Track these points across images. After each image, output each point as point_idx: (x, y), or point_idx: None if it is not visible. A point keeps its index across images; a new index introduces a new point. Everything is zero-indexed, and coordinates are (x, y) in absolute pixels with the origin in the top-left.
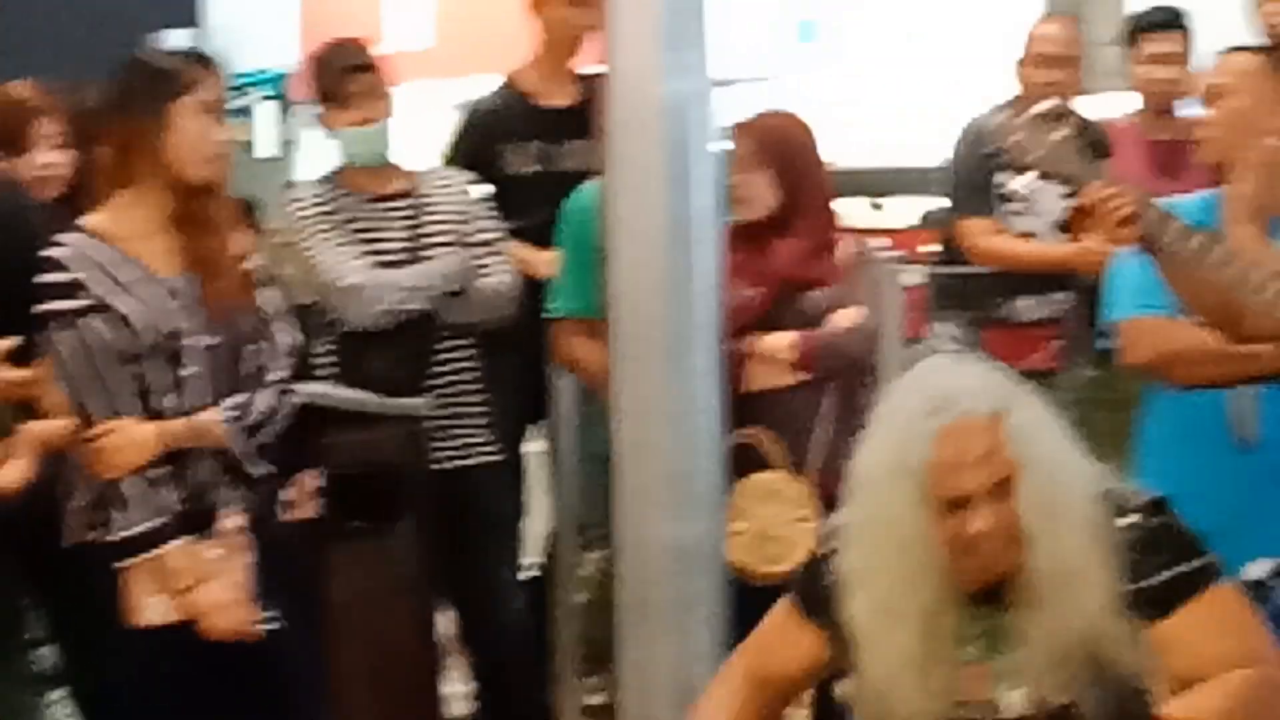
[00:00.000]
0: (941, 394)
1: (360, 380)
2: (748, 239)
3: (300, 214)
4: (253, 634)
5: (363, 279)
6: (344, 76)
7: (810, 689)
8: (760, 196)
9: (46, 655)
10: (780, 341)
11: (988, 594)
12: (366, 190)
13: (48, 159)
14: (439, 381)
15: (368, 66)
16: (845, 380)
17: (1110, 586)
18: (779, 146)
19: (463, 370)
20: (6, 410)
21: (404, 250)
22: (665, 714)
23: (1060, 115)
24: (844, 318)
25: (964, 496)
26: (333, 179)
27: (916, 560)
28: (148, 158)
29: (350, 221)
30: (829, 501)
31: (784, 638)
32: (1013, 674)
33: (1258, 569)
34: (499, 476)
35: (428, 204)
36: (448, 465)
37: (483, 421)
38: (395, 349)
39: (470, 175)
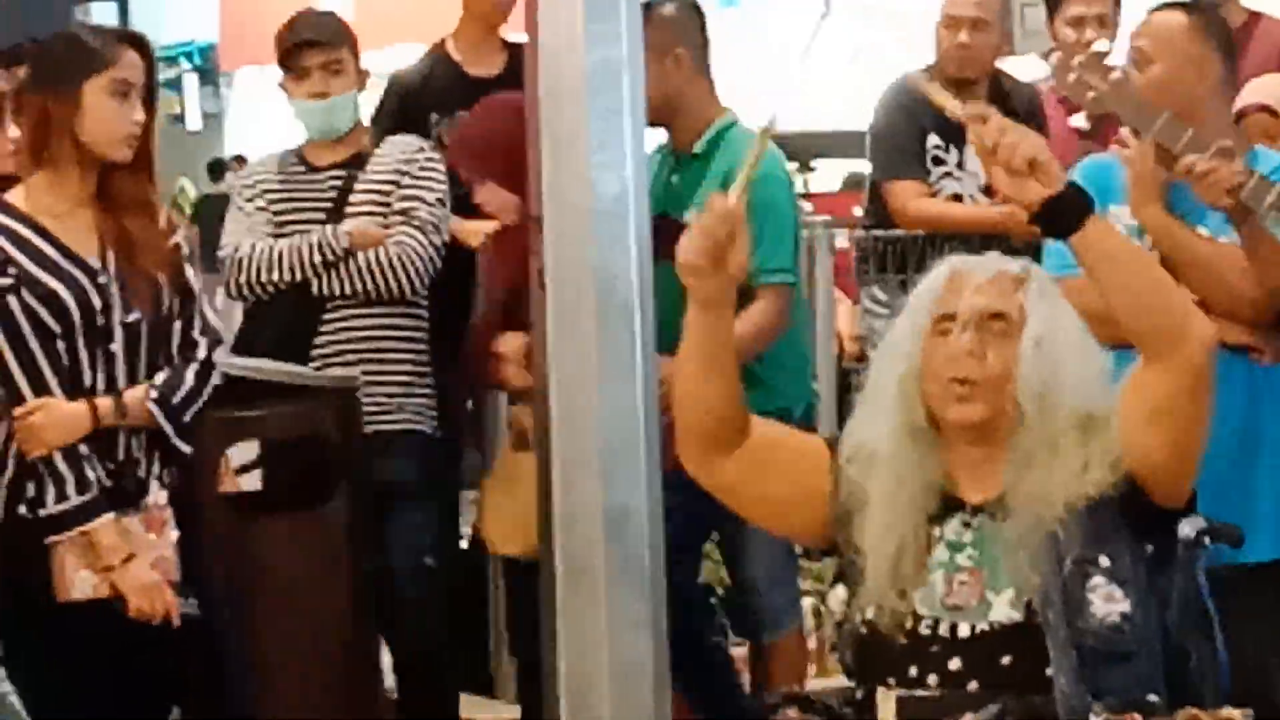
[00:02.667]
0: (969, 257)
1: (249, 350)
2: (501, 241)
3: (240, 185)
4: (173, 617)
5: (242, 251)
6: (298, 50)
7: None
8: (503, 202)
9: None
10: (515, 342)
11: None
12: (313, 161)
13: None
14: (328, 350)
15: (321, 42)
16: None
17: (1091, 483)
18: (492, 151)
19: (360, 339)
20: None
21: (324, 221)
22: (603, 683)
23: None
24: None
25: (953, 314)
26: (294, 150)
27: (915, 446)
28: (64, 136)
29: (279, 193)
30: None
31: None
32: (1000, 577)
33: (1187, 526)
34: (411, 445)
35: (363, 173)
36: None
37: (387, 390)
38: (278, 319)
39: (427, 142)
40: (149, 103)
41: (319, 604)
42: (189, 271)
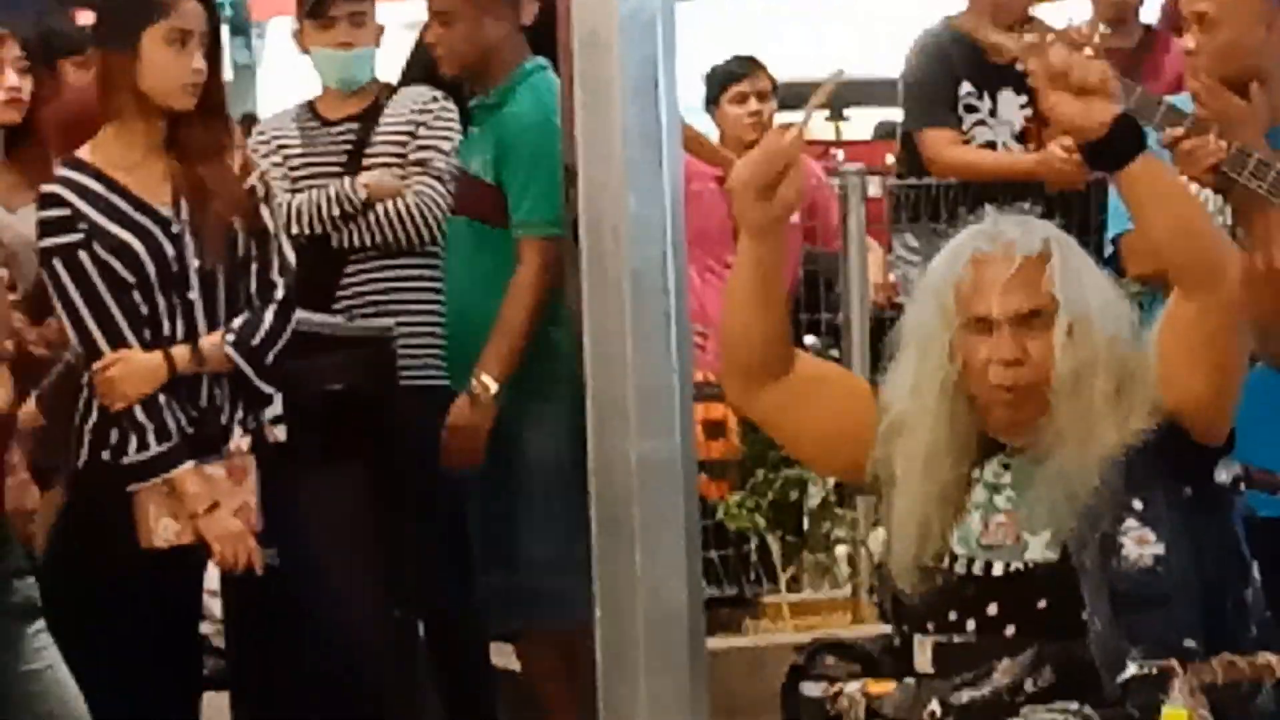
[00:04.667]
0: (992, 225)
1: None
2: None
3: (256, 141)
4: (257, 566)
5: None
6: (327, 0)
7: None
8: None
9: (28, 585)
10: None
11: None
12: (326, 115)
13: (9, 86)
14: (352, 303)
15: None
16: None
17: (1130, 433)
18: None
19: (377, 289)
20: None
21: (339, 174)
22: (639, 631)
23: None
24: None
25: (987, 318)
26: (306, 104)
27: (946, 390)
28: (126, 89)
29: (292, 147)
30: None
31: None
32: (1037, 519)
33: (1223, 472)
34: (428, 401)
35: (378, 125)
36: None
37: (418, 342)
38: (298, 273)
39: (440, 91)
40: (214, 49)
41: (357, 552)
42: (264, 213)
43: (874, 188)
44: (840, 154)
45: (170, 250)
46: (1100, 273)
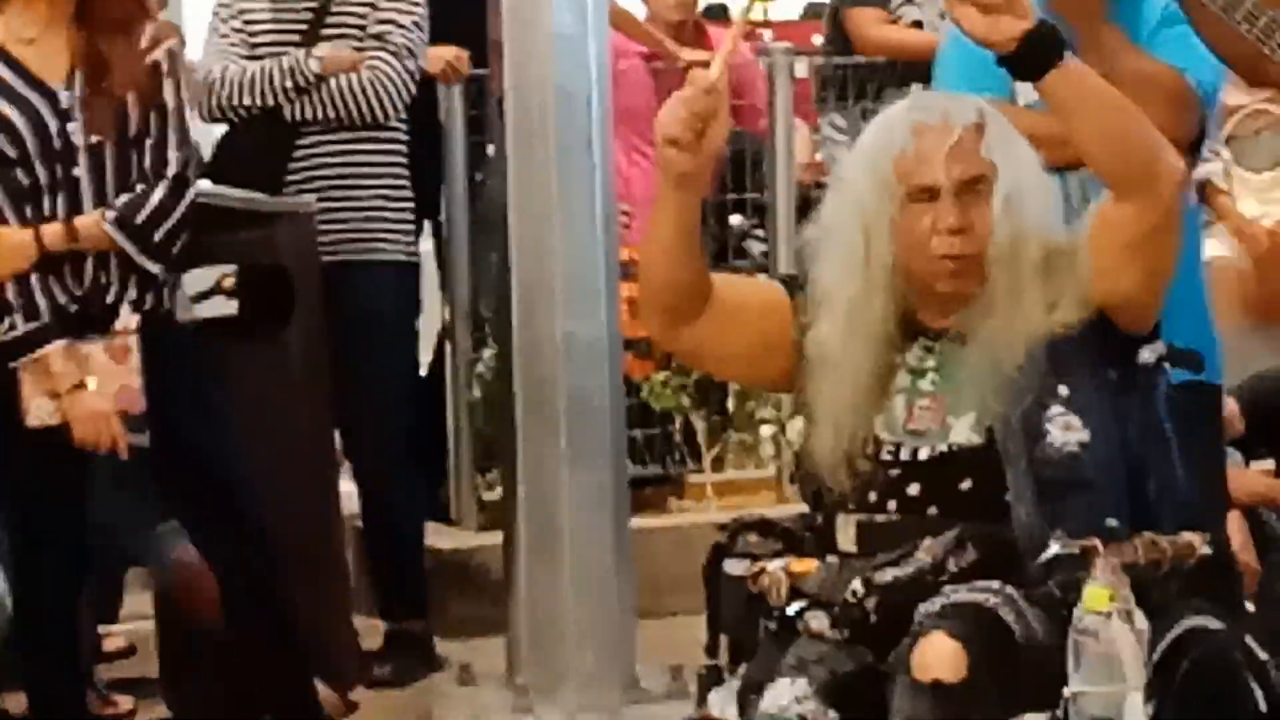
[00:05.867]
0: (927, 98)
1: (221, 176)
2: None
3: (218, 5)
4: (120, 449)
5: (214, 74)
6: None
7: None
8: None
9: None
10: None
11: (950, 323)
12: None
13: None
14: (301, 176)
15: None
16: None
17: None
18: None
19: (331, 165)
20: None
21: (298, 44)
22: (563, 509)
23: None
24: None
25: (933, 187)
26: None
27: (878, 276)
28: None
29: (253, 13)
30: None
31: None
32: (962, 401)
33: (1147, 352)
34: (382, 275)
35: None
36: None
37: (365, 219)
38: (249, 144)
39: None
40: None
41: (280, 429)
42: (167, 88)
43: (801, 68)
44: (768, 34)
45: (54, 124)
46: (1029, 147)
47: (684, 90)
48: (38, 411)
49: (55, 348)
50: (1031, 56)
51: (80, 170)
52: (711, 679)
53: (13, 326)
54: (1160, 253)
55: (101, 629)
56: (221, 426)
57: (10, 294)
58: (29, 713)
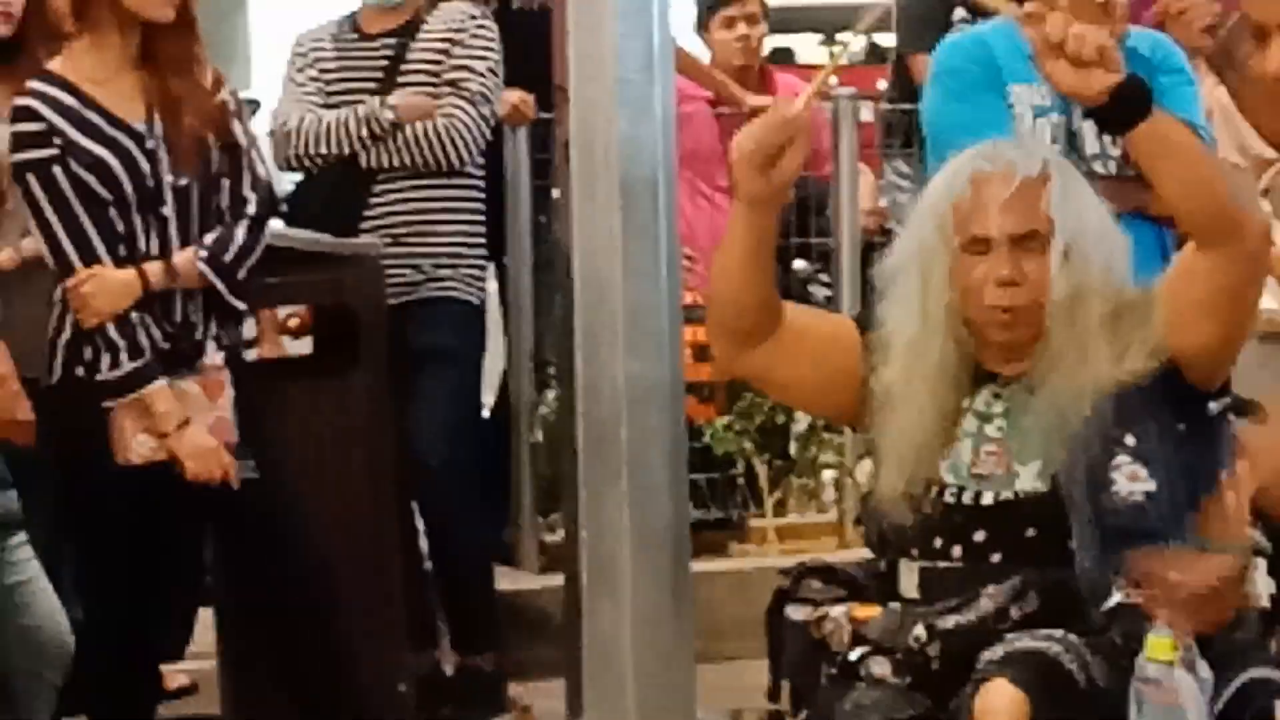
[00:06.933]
0: (991, 147)
1: (296, 219)
2: None
3: (294, 54)
4: (232, 480)
5: (291, 123)
6: None
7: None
8: None
9: (8, 497)
10: None
11: (1014, 369)
12: (366, 29)
13: None
14: (378, 222)
15: None
16: None
17: (1126, 370)
18: None
19: (406, 210)
20: None
21: (374, 90)
22: (624, 551)
23: None
24: None
25: (986, 238)
26: (348, 16)
27: (939, 321)
28: (102, 2)
29: (328, 62)
30: None
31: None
32: (1027, 448)
33: (1213, 403)
34: (449, 315)
35: (415, 41)
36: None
37: (435, 260)
38: (325, 189)
39: (479, 9)
40: None
41: (343, 469)
42: (236, 127)
43: (866, 112)
44: (833, 78)
45: (145, 166)
46: (1097, 200)
47: (766, 114)
48: (139, 448)
49: (159, 386)
50: (1122, 110)
51: (168, 210)
52: None
53: (116, 364)
54: (1239, 307)
55: (165, 667)
56: (284, 462)
57: (113, 332)
58: None
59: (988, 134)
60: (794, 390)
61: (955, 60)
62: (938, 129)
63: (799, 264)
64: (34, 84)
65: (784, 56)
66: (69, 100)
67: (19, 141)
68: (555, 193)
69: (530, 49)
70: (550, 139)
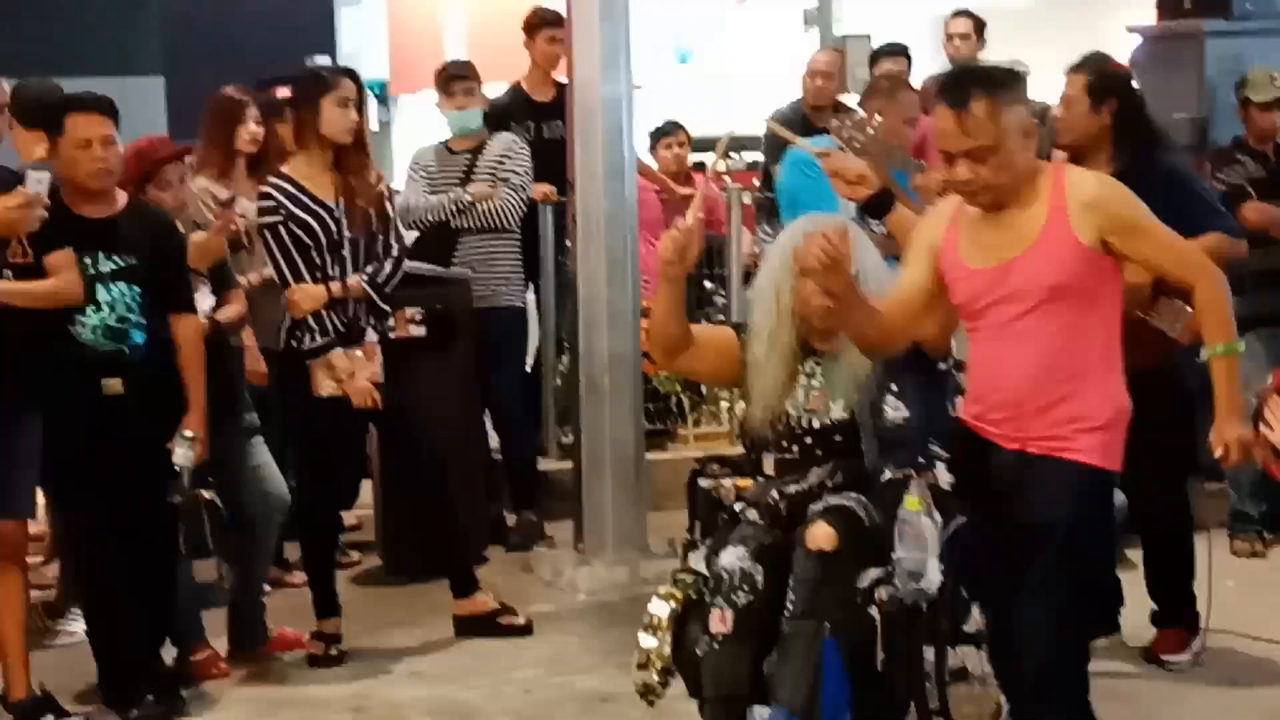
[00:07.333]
0: (815, 218)
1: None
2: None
3: (412, 164)
4: (380, 407)
5: (411, 204)
6: (451, 80)
7: (714, 366)
8: None
9: (253, 416)
10: None
11: (829, 347)
12: (453, 148)
13: (253, 132)
14: (462, 259)
15: (465, 76)
16: None
17: None
18: None
19: (482, 252)
20: (229, 270)
21: (458, 183)
22: (606, 449)
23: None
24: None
25: (808, 269)
26: (443, 142)
27: (785, 318)
28: (312, 130)
29: (432, 168)
30: None
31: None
32: (836, 393)
33: (942, 363)
34: (506, 314)
35: (482, 156)
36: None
37: (497, 282)
38: (433, 240)
39: (519, 139)
40: (360, 109)
41: (450, 403)
42: (388, 205)
43: (747, 198)
44: (729, 179)
45: (333, 228)
46: (874, 248)
47: (673, 230)
48: (326, 388)
49: (337, 351)
50: (877, 206)
51: (345, 252)
52: (690, 547)
53: (313, 339)
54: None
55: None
56: (413, 400)
57: (312, 321)
58: (306, 568)
59: (820, 205)
60: (703, 375)
61: (799, 162)
62: (789, 198)
63: (709, 284)
64: (271, 179)
65: (700, 166)
66: (290, 188)
67: (261, 211)
68: (569, 242)
69: (554, 160)
70: (565, 213)
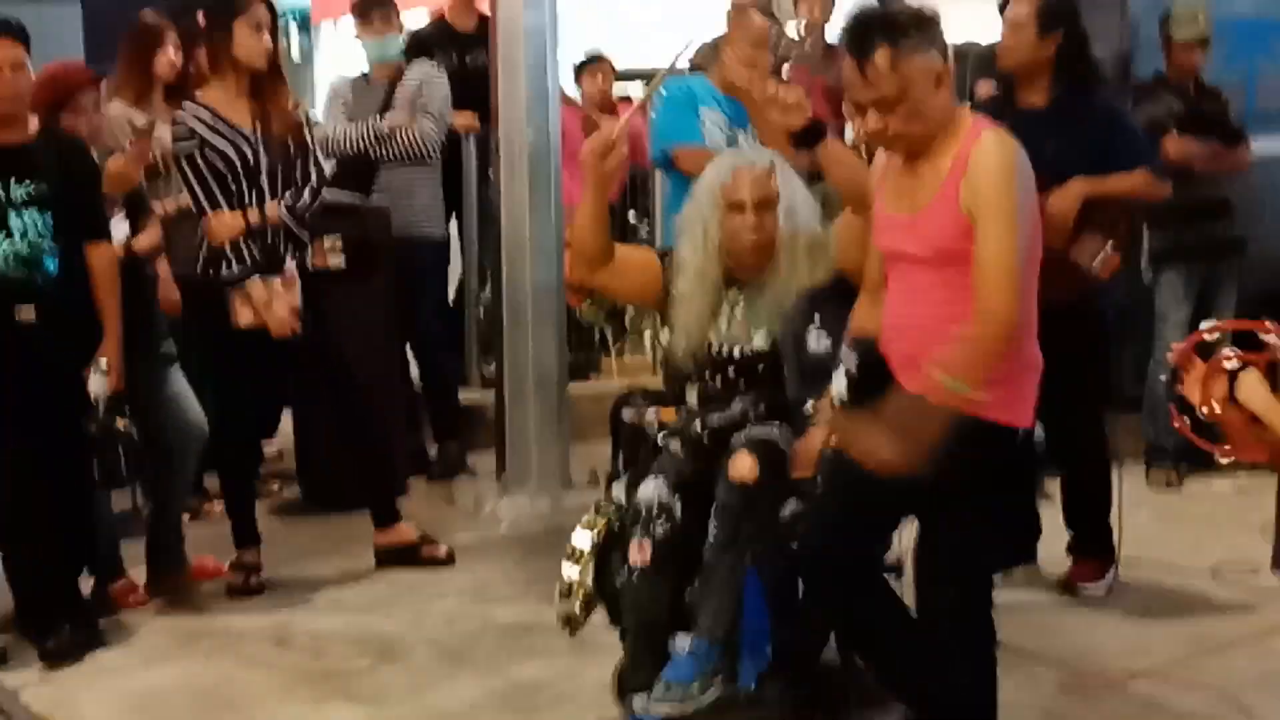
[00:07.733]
0: (744, 152)
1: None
2: None
3: (331, 93)
4: (298, 332)
5: (330, 133)
6: (370, 8)
7: (638, 286)
8: None
9: (169, 344)
10: None
11: (753, 279)
12: (373, 80)
13: (172, 58)
14: (382, 188)
15: (384, 3)
16: None
17: (817, 279)
18: None
19: (402, 182)
20: (144, 197)
21: (375, 115)
22: (529, 379)
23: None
24: None
25: (741, 202)
26: (362, 75)
27: (712, 253)
28: (226, 57)
29: (350, 98)
30: None
31: (645, 254)
32: (759, 323)
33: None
34: (427, 245)
35: (400, 84)
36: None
37: (416, 212)
38: (350, 170)
39: (439, 66)
40: (274, 35)
41: (370, 333)
42: (305, 133)
43: None
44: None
45: (249, 155)
46: (800, 180)
47: (598, 132)
48: (244, 317)
49: (255, 280)
50: (810, 137)
51: (263, 180)
52: (612, 477)
53: (230, 268)
54: (869, 243)
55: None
56: (333, 330)
57: (229, 250)
58: (224, 498)
59: (686, 136)
60: (622, 294)
61: (670, 92)
62: (659, 131)
63: (632, 213)
64: (186, 105)
65: (625, 97)
66: (205, 115)
67: (175, 137)
68: (491, 173)
69: (477, 89)
70: (489, 141)
